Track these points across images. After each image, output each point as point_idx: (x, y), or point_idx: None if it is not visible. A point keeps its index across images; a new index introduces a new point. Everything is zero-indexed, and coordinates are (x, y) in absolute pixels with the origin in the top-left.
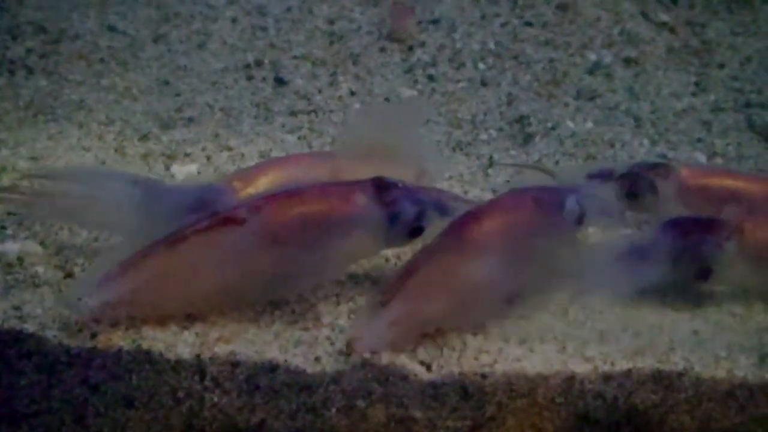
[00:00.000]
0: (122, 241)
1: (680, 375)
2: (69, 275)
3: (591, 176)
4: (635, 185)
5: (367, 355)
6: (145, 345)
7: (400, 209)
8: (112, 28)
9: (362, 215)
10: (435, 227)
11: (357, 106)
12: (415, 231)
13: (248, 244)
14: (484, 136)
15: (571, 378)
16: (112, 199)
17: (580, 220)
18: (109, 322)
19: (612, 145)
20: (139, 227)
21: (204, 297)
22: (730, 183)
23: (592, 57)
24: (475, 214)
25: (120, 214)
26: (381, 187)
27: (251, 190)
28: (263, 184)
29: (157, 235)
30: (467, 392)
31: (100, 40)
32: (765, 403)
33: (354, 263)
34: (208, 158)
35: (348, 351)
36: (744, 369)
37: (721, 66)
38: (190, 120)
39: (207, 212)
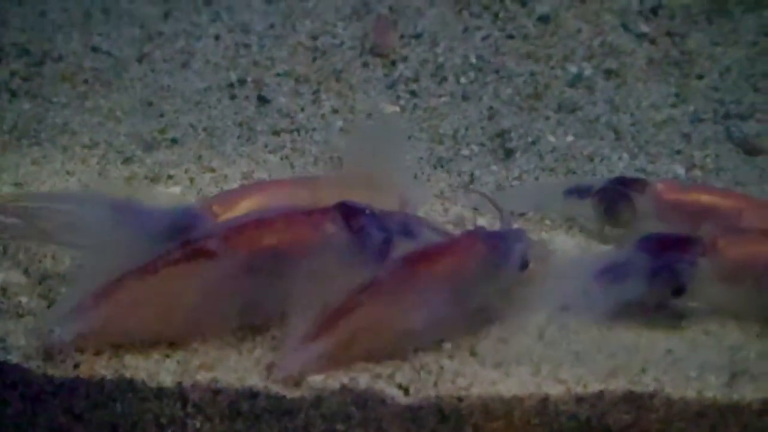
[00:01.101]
0: (94, 267)
1: (651, 396)
2: (52, 305)
3: (569, 192)
4: (612, 201)
5: (283, 377)
6: (127, 374)
7: (366, 236)
8: (95, 49)
9: (330, 242)
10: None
11: (339, 123)
12: (382, 256)
13: (218, 275)
14: (465, 152)
15: (545, 400)
16: (89, 221)
17: (524, 267)
18: (82, 349)
19: (591, 159)
20: (114, 248)
21: (175, 326)
22: (705, 198)
23: (573, 69)
24: (424, 254)
25: (96, 235)
26: (348, 213)
27: (231, 215)
28: (243, 208)
29: (132, 257)
30: (444, 415)
31: (84, 61)
32: (734, 423)
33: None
34: (191, 180)
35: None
36: (714, 389)
37: (701, 77)
38: (174, 141)
39: (179, 241)
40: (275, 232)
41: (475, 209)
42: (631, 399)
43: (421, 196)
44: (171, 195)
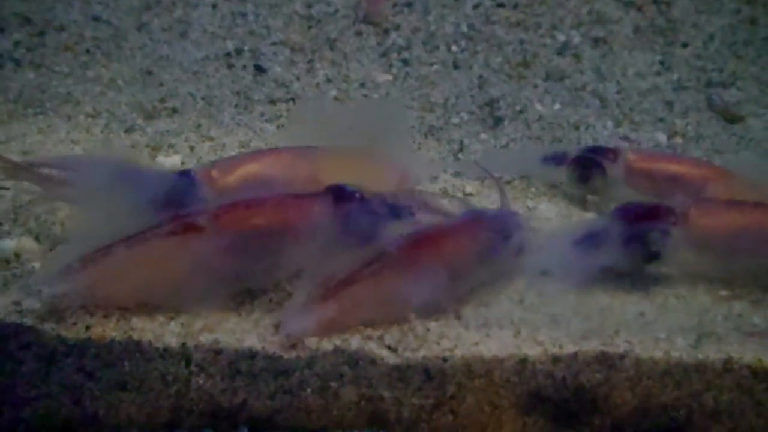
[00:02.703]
0: (86, 231)
1: (622, 356)
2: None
3: (545, 160)
4: (585, 168)
5: (288, 338)
6: (135, 335)
7: (354, 220)
8: (96, 18)
9: (316, 228)
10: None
11: (333, 93)
12: (369, 239)
13: (205, 251)
14: (455, 120)
15: (523, 360)
16: (90, 181)
17: (519, 252)
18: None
19: (577, 128)
20: (110, 211)
21: (159, 295)
22: (673, 167)
23: (561, 38)
24: (428, 234)
25: (95, 195)
26: (338, 197)
27: (230, 181)
28: (242, 176)
29: (128, 220)
30: (430, 374)
31: (85, 31)
32: (698, 380)
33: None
34: (191, 149)
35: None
36: (680, 350)
37: (685, 45)
38: (174, 110)
39: (171, 212)
40: (265, 213)
41: (459, 174)
42: (603, 359)
43: (424, 171)
44: (172, 165)
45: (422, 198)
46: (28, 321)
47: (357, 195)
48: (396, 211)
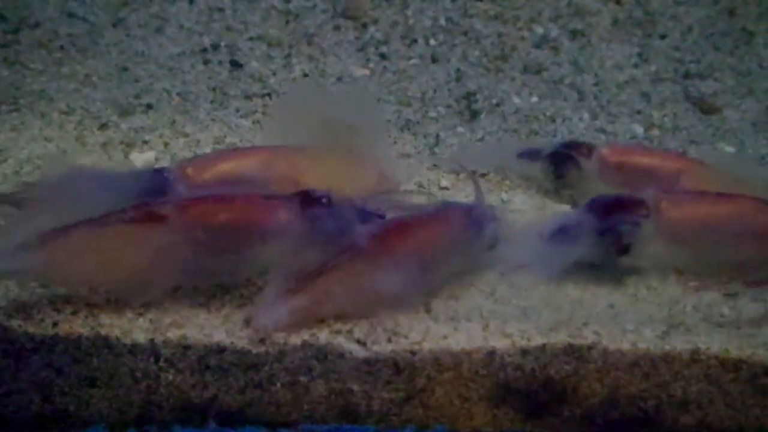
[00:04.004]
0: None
1: (590, 348)
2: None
3: (521, 155)
4: (560, 164)
5: (258, 331)
6: (103, 331)
7: (319, 226)
8: (71, 15)
9: (281, 229)
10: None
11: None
12: (334, 244)
13: (166, 241)
14: (432, 114)
15: (492, 353)
16: (61, 194)
17: (491, 245)
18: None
19: (554, 120)
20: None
21: (116, 281)
22: (646, 160)
23: (540, 30)
24: (401, 225)
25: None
26: (305, 201)
27: (206, 178)
28: (218, 174)
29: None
30: (399, 367)
31: (60, 27)
32: (666, 371)
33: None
34: (166, 145)
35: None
36: (648, 341)
37: (663, 36)
38: (149, 106)
39: (136, 201)
40: (231, 209)
41: (435, 167)
42: (571, 351)
43: (404, 173)
44: (146, 161)
45: (394, 201)
46: None
47: (324, 199)
48: (364, 216)
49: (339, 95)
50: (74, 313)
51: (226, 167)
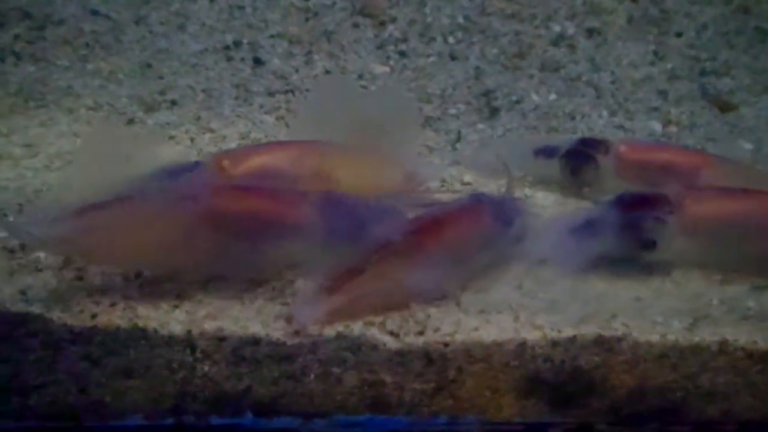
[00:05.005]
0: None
1: (619, 339)
2: (68, 260)
3: (537, 153)
4: (577, 162)
5: (299, 328)
6: (140, 323)
7: (338, 226)
8: (94, 12)
9: (303, 225)
10: None
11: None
12: (352, 244)
13: (192, 222)
14: (452, 111)
15: (522, 344)
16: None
17: (518, 239)
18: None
19: (573, 117)
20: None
21: (143, 260)
22: (664, 157)
23: (556, 28)
24: (433, 220)
25: None
26: (329, 201)
27: (240, 171)
28: (252, 167)
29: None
30: (431, 358)
31: (84, 25)
32: (694, 363)
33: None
34: (192, 140)
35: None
36: (676, 333)
37: (679, 34)
38: (173, 103)
39: (166, 183)
40: (256, 200)
41: (458, 164)
42: (601, 342)
43: (429, 173)
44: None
45: (419, 199)
46: (35, 309)
47: (346, 199)
48: (386, 214)
49: (373, 94)
50: (112, 305)
51: (260, 161)
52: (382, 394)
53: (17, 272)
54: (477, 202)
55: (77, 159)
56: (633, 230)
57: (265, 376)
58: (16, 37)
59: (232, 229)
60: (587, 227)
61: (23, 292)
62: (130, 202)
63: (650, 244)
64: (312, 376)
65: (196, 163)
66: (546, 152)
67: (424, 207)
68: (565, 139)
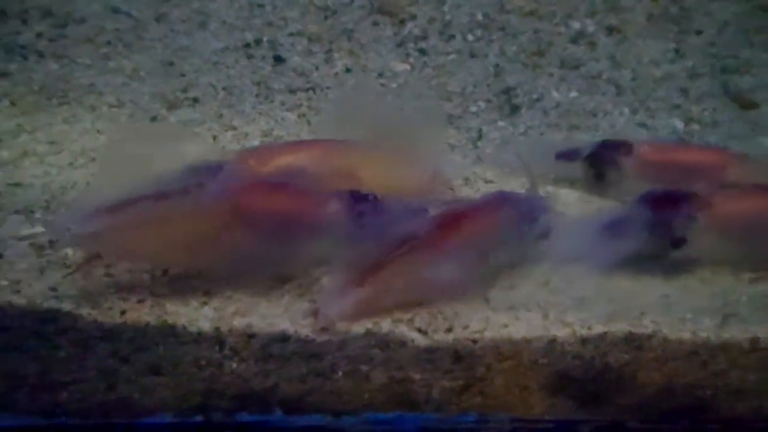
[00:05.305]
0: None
1: (649, 337)
2: (98, 255)
3: (558, 155)
4: (600, 165)
5: (327, 323)
6: (169, 320)
7: (364, 225)
8: (116, 10)
9: (330, 223)
10: None
11: (352, 82)
12: (377, 241)
13: (221, 219)
14: (473, 108)
15: (552, 341)
16: None
17: (543, 237)
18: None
19: (594, 115)
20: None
21: (173, 256)
22: (687, 156)
23: (576, 26)
24: (459, 215)
25: None
26: (355, 200)
27: (267, 170)
28: (279, 166)
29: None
30: (459, 356)
31: (105, 23)
32: (724, 360)
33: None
34: (215, 138)
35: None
36: (707, 330)
37: (699, 32)
38: (195, 100)
39: (198, 180)
40: (284, 197)
41: (480, 162)
42: (631, 340)
43: (453, 172)
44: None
45: (442, 199)
46: (66, 306)
47: (371, 197)
48: (410, 213)
49: (400, 101)
50: (140, 301)
51: (286, 159)
52: (410, 392)
53: (47, 269)
54: (502, 198)
55: (106, 156)
56: (663, 228)
57: (293, 373)
58: (39, 35)
59: (260, 226)
60: (618, 225)
61: (53, 289)
62: (160, 199)
63: (680, 242)
64: (340, 373)
65: (223, 161)
66: (568, 155)
67: (448, 204)
68: (586, 141)
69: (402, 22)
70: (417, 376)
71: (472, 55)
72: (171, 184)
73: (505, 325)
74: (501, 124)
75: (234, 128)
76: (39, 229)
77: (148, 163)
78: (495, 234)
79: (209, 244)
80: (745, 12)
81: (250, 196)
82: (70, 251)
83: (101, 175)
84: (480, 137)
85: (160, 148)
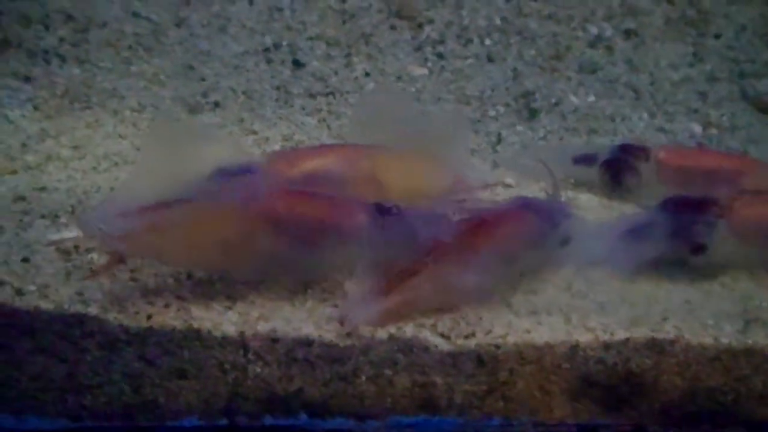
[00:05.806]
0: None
1: (672, 342)
2: (121, 260)
3: (576, 160)
4: (618, 171)
5: (351, 329)
6: (195, 324)
7: (391, 233)
8: (136, 14)
9: (357, 232)
10: None
11: (371, 86)
12: (403, 250)
13: (250, 223)
14: (492, 113)
15: (575, 346)
16: None
17: (565, 243)
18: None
19: (612, 120)
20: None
21: (201, 259)
22: (705, 162)
23: (594, 30)
24: (483, 222)
25: None
26: (380, 210)
27: (295, 173)
28: (306, 170)
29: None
30: (482, 360)
31: (126, 27)
32: (746, 365)
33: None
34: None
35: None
36: (729, 335)
37: (717, 36)
38: (216, 104)
39: (228, 185)
40: (313, 204)
41: (499, 166)
42: (654, 345)
43: (479, 181)
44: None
45: (466, 204)
46: (92, 310)
47: (394, 209)
48: (434, 221)
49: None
50: (166, 306)
51: (313, 164)
52: (433, 396)
53: (73, 274)
54: (525, 204)
55: (140, 157)
56: (685, 233)
57: (317, 378)
58: (61, 39)
59: (288, 232)
60: (639, 230)
61: (80, 293)
62: (191, 202)
63: (702, 248)
64: (364, 377)
65: (253, 164)
66: (585, 160)
67: (472, 210)
68: (604, 145)
69: (420, 26)
70: (440, 381)
71: (490, 59)
72: (202, 187)
73: (528, 330)
74: (520, 128)
75: (255, 132)
76: (66, 233)
77: (183, 163)
78: (519, 240)
79: (239, 247)
80: (763, 15)
81: (280, 201)
82: (95, 256)
83: (137, 173)
84: (499, 141)
85: (195, 147)
